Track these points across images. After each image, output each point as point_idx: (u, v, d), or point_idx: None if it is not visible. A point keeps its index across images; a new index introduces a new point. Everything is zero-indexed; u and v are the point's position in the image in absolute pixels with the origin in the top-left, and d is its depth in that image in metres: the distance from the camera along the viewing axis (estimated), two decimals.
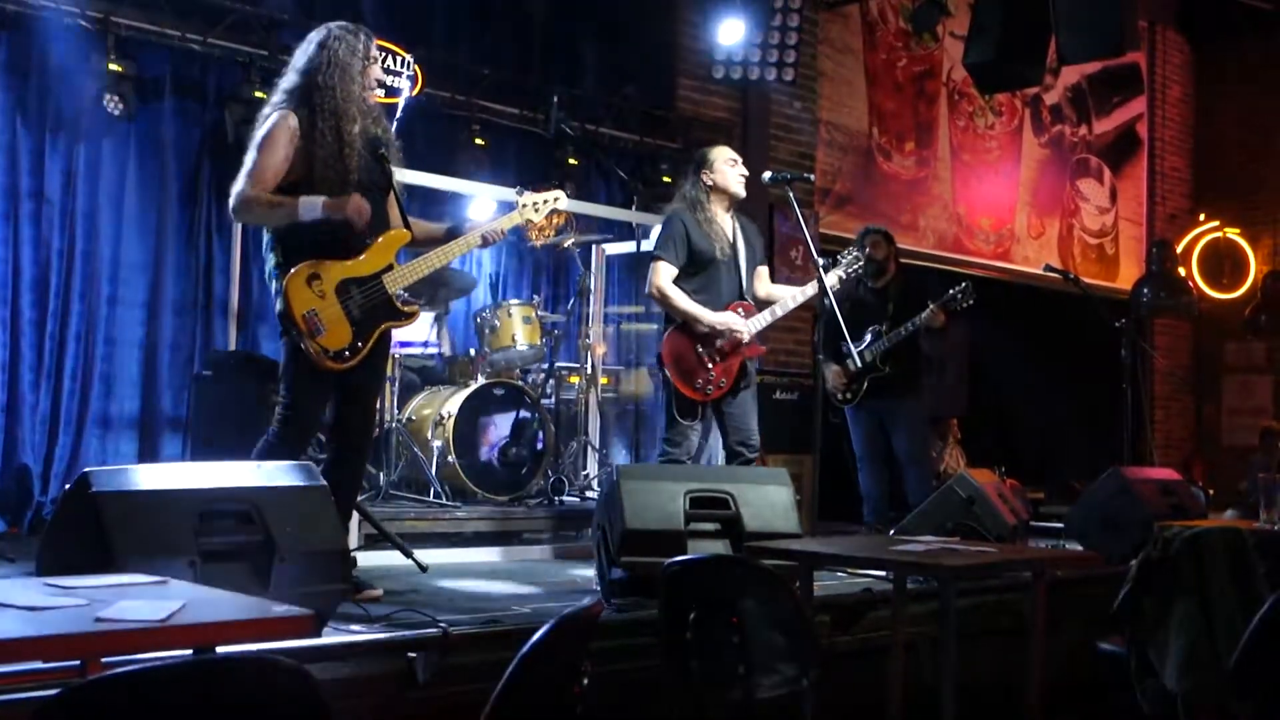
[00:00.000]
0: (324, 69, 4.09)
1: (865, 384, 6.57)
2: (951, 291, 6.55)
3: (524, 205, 4.61)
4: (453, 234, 4.39)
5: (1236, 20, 11.59)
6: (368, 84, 4.17)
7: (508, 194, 6.30)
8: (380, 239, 4.18)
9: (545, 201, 4.65)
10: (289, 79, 4.17)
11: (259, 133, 4.07)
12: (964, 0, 8.42)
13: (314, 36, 4.20)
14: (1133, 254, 11.93)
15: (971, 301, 6.57)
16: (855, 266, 5.51)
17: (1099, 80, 11.49)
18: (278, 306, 4.05)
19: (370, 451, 4.51)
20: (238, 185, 4.03)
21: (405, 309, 4.25)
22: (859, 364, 6.21)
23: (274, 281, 4.09)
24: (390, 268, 4.18)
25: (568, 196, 7.23)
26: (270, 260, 4.12)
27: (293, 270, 4.00)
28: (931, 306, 6.48)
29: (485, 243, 4.42)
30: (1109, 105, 11.73)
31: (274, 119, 4.05)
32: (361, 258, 4.13)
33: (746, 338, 5.25)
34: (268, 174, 4.00)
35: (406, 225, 4.27)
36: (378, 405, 4.47)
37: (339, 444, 4.27)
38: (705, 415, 5.38)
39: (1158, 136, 12.14)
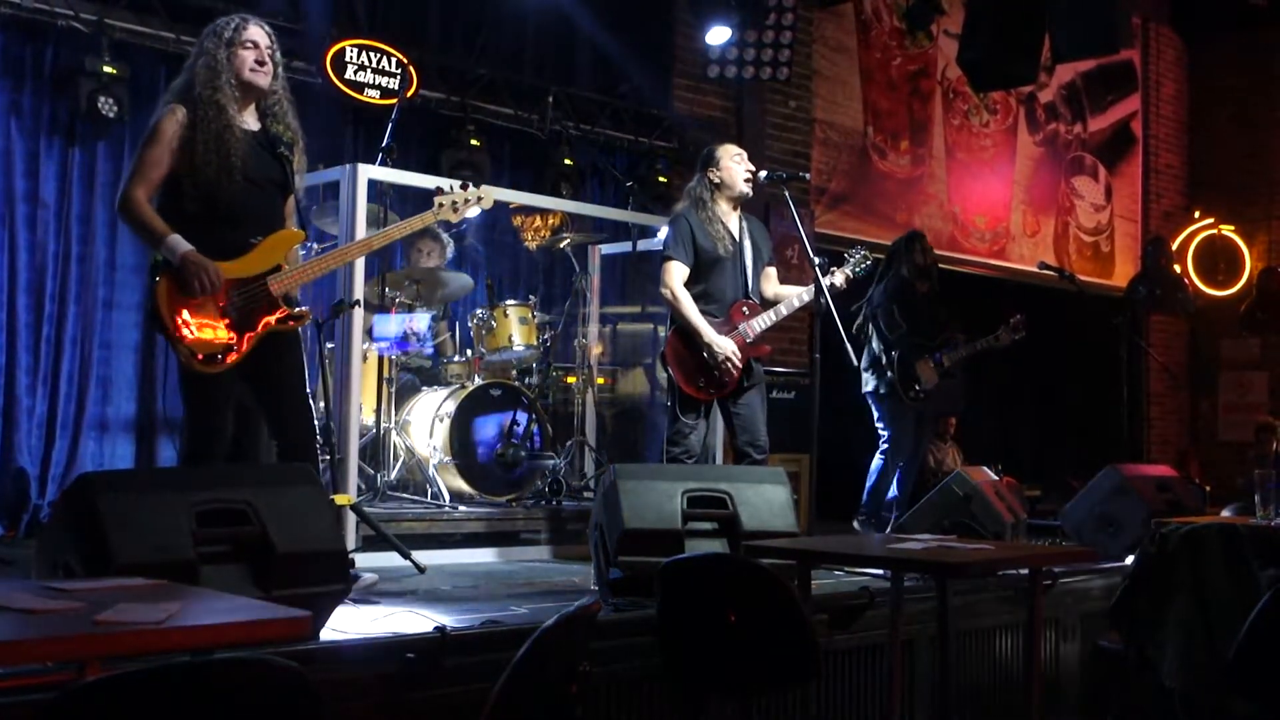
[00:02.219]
0: (196, 60, 4.05)
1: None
2: (1013, 321, 6.85)
3: (441, 204, 4.50)
4: None
5: (1229, 16, 11.61)
6: (237, 68, 4.03)
7: (502, 194, 6.30)
8: (268, 239, 4.05)
9: (466, 201, 4.53)
10: (179, 77, 4.13)
11: (148, 128, 4.02)
12: None
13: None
14: (1128, 251, 11.94)
15: (1024, 334, 6.90)
16: (862, 266, 5.53)
17: (1093, 78, 11.51)
18: (147, 306, 3.96)
19: (315, 442, 4.29)
20: (123, 184, 3.96)
21: (293, 311, 4.10)
22: (856, 363, 6.26)
23: (149, 280, 3.99)
24: (278, 268, 4.05)
25: (564, 196, 7.29)
26: (151, 258, 4.02)
27: (166, 269, 3.88)
28: (1001, 331, 6.82)
29: (387, 240, 4.37)
30: (1103, 103, 11.75)
31: (161, 114, 4.01)
32: (245, 258, 4.00)
33: (738, 372, 5.25)
34: (150, 169, 3.93)
35: (302, 225, 4.21)
36: (306, 395, 4.29)
37: (280, 444, 4.19)
38: (708, 414, 5.39)
39: (1152, 134, 12.16)
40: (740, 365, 5.25)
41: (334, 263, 4.26)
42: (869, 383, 6.74)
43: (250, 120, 4.10)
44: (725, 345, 5.22)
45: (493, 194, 4.69)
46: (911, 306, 6.71)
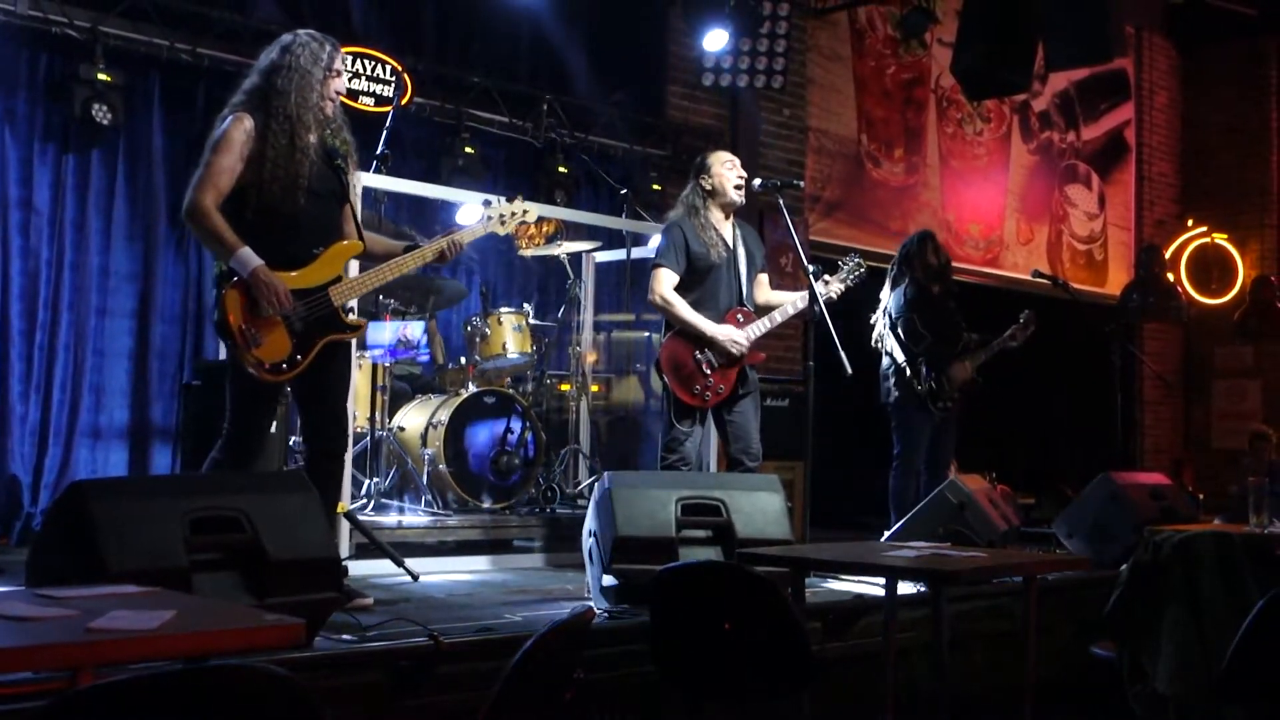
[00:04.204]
0: (284, 74, 4.06)
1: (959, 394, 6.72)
2: (1022, 319, 6.82)
3: (490, 217, 4.56)
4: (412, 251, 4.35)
5: (1222, 26, 11.65)
6: (327, 93, 4.12)
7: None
8: (329, 250, 4.11)
9: (514, 214, 4.60)
10: (250, 80, 4.15)
11: (215, 134, 4.04)
12: (952, 7, 8.45)
13: (280, 40, 4.17)
14: (1121, 259, 11.97)
15: (1035, 328, 6.86)
16: (857, 274, 5.52)
17: (1087, 86, 11.54)
18: (215, 317, 4.00)
19: (345, 456, 4.40)
20: (191, 191, 3.98)
21: (351, 322, 4.18)
22: (850, 371, 6.24)
23: (216, 290, 4.04)
24: (338, 279, 4.11)
25: (559, 204, 7.29)
26: (216, 268, 4.08)
27: (234, 280, 3.94)
28: (1014, 329, 6.79)
29: (443, 257, 4.36)
30: (1097, 111, 11.78)
31: (229, 121, 4.02)
32: (308, 269, 4.06)
33: (745, 350, 5.24)
34: (221, 178, 3.96)
35: (360, 236, 4.24)
36: (347, 409, 4.37)
37: (311, 449, 4.24)
38: (703, 421, 5.38)
39: (1145, 142, 12.19)
40: (745, 349, 5.24)
41: (390, 274, 4.30)
42: (889, 393, 6.68)
43: (314, 135, 4.13)
44: (727, 331, 5.22)
45: (536, 210, 4.77)
46: (931, 313, 6.67)
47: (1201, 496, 8.95)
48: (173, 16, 6.30)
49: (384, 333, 6.21)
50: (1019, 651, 3.87)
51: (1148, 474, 7.05)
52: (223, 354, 6.11)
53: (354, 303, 4.93)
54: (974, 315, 7.09)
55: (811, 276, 5.13)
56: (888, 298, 6.73)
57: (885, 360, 6.68)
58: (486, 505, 6.08)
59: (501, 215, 4.58)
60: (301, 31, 4.19)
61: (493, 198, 4.78)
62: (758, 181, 5.45)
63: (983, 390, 6.92)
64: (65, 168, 6.13)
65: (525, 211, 4.65)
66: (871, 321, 6.76)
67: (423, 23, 7.46)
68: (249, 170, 3.98)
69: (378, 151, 6.05)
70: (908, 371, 6.55)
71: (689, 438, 5.26)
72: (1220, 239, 12.09)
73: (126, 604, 2.26)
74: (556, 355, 7.13)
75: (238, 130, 3.98)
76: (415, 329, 6.54)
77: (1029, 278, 8.32)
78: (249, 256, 3.90)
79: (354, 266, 4.48)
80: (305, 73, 4.07)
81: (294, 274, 4.01)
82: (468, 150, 7.25)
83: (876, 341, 6.70)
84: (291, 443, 5.44)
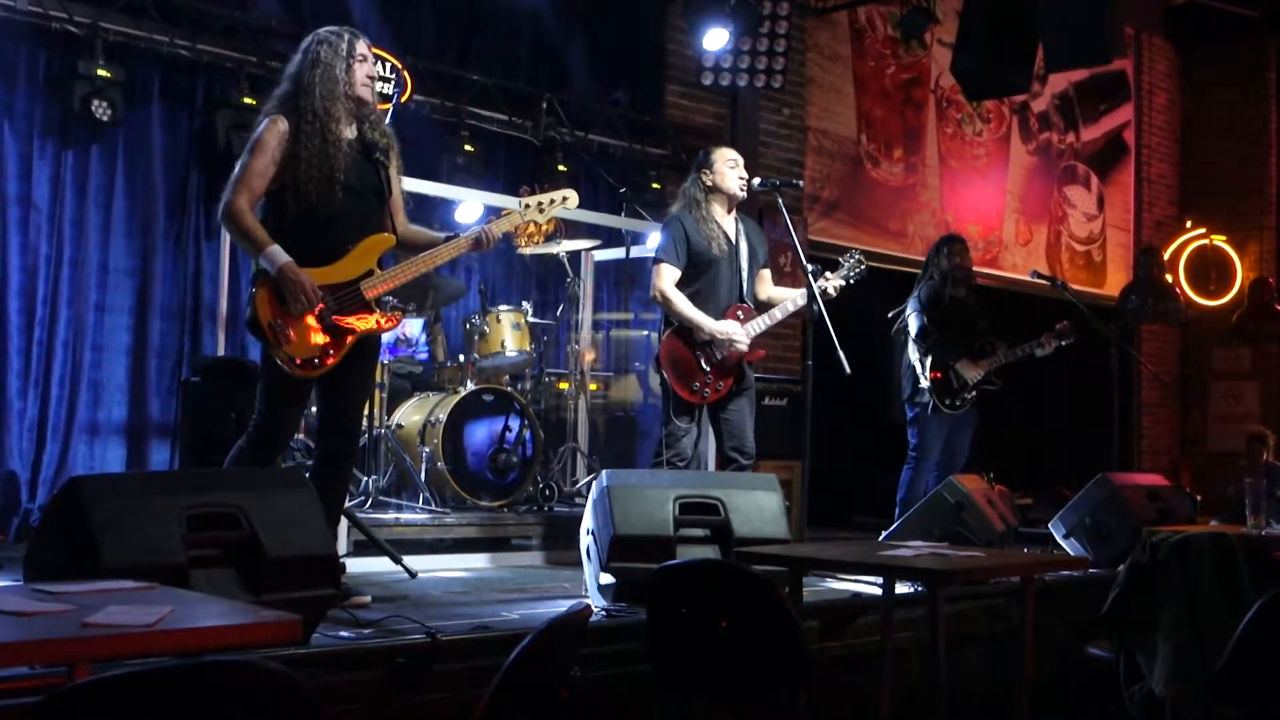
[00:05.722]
0: (308, 72, 4.10)
1: (974, 393, 6.76)
2: (1058, 328, 6.86)
3: (526, 205, 4.56)
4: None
5: (1222, 27, 11.66)
6: (354, 82, 4.14)
7: (495, 200, 6.31)
8: (361, 244, 4.13)
9: (552, 201, 4.59)
10: (281, 86, 4.20)
11: (251, 137, 4.10)
12: (952, 8, 8.46)
13: (302, 43, 4.22)
14: (1120, 261, 11.98)
15: (1073, 340, 6.86)
16: (858, 271, 5.52)
17: (1086, 88, 11.54)
18: (246, 315, 4.04)
19: (357, 456, 4.44)
20: (226, 193, 4.03)
21: (385, 314, 4.20)
22: (849, 370, 6.25)
23: (251, 286, 4.08)
24: (370, 273, 4.13)
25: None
26: (253, 266, 4.11)
27: (265, 278, 3.97)
28: (1045, 336, 6.84)
29: (479, 245, 4.34)
30: (1096, 112, 11.78)
31: (263, 125, 4.07)
32: (339, 264, 4.08)
33: (745, 348, 5.25)
34: (255, 180, 4.00)
35: (394, 230, 4.26)
36: (365, 410, 4.40)
37: (324, 448, 4.24)
38: (701, 418, 5.37)
39: (1144, 143, 12.19)
40: (746, 346, 5.24)
41: (425, 266, 4.30)
42: (904, 390, 6.79)
43: (349, 129, 4.15)
44: (727, 327, 5.21)
45: (576, 197, 4.74)
46: (943, 313, 6.73)
47: (1199, 498, 8.95)
48: (172, 12, 6.30)
49: None
50: (1016, 651, 3.87)
51: (1145, 475, 7.05)
52: (220, 350, 6.14)
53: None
54: None
55: (810, 276, 5.13)
56: (910, 297, 6.82)
57: (903, 358, 6.76)
58: (484, 503, 6.08)
59: (540, 203, 4.56)
60: (320, 30, 4.22)
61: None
62: (757, 181, 5.44)
63: (999, 392, 6.94)
64: (64, 164, 6.13)
65: (565, 199, 4.61)
66: (890, 315, 6.83)
67: (423, 21, 7.46)
68: (285, 171, 4.02)
69: None
70: (918, 368, 6.62)
71: (686, 434, 5.26)
72: (1219, 240, 12.10)
73: (123, 600, 2.26)
74: (555, 353, 7.13)
75: (271, 133, 4.03)
76: (414, 326, 6.54)
77: (1028, 278, 8.32)
78: (277, 254, 3.94)
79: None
80: (327, 66, 4.10)
81: (324, 270, 4.03)
82: (467, 148, 7.26)
83: (894, 337, 6.84)
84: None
